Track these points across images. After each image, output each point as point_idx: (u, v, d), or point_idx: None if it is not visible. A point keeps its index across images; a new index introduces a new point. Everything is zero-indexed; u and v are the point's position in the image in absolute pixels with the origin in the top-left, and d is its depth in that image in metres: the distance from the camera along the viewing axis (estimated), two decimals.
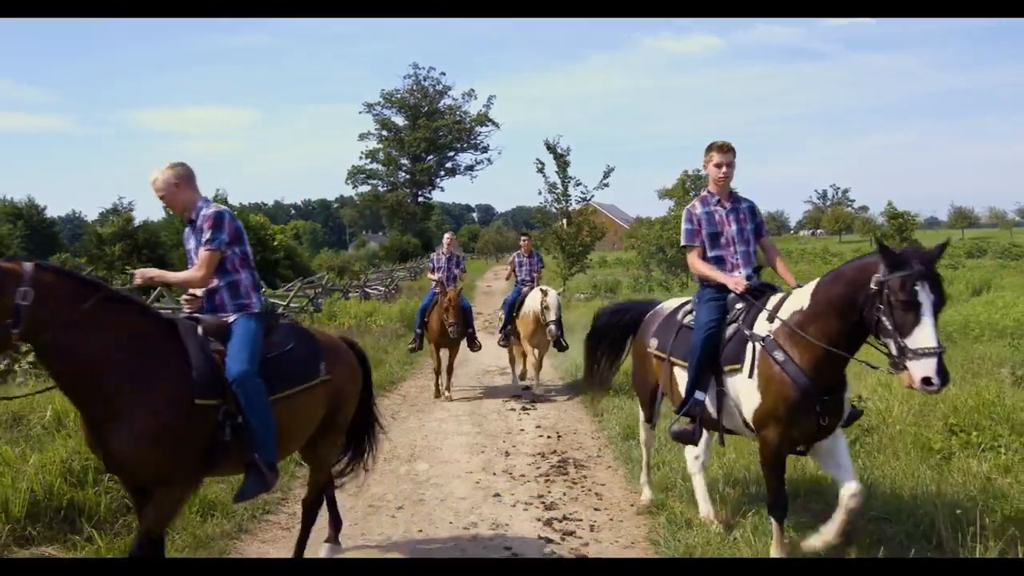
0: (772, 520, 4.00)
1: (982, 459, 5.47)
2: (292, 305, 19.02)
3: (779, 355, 3.87)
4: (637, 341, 5.28)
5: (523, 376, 10.57)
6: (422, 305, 10.43)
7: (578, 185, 28.53)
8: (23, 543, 4.15)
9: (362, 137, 73.08)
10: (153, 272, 3.88)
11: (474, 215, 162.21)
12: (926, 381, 3.30)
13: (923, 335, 3.33)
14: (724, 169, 4.55)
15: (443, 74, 73.34)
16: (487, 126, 73.37)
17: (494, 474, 6.15)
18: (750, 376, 3.98)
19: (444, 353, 9.93)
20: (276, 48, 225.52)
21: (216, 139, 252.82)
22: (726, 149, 4.57)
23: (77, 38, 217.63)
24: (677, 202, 36.89)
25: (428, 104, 72.65)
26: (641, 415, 5.41)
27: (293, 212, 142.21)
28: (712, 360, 4.25)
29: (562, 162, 27.79)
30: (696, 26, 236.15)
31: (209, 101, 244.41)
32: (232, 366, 3.46)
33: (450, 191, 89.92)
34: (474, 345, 10.42)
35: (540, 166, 27.96)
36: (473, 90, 73.40)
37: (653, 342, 4.94)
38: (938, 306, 3.42)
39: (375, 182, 74.27)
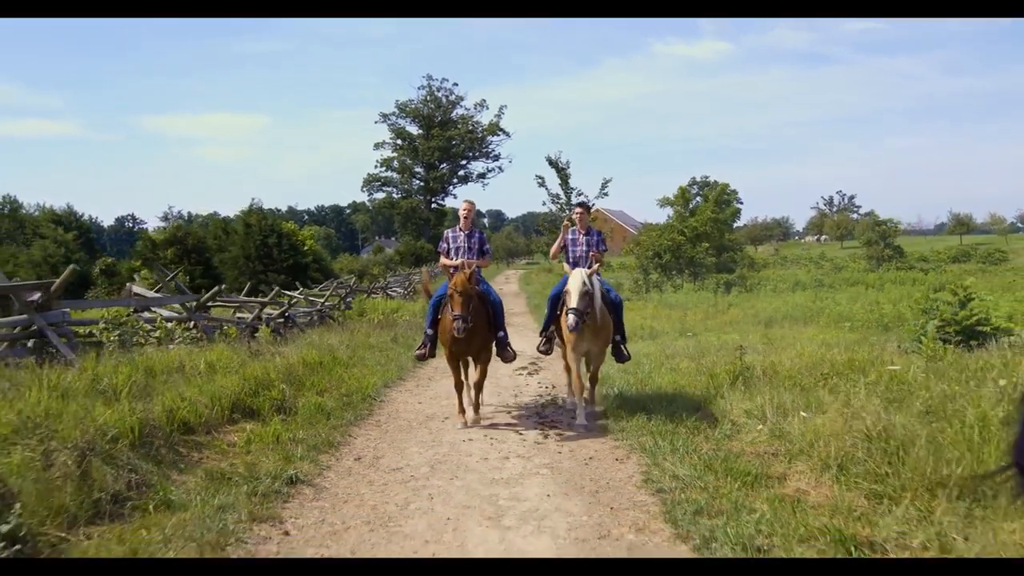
0: None
1: (828, 389, 8.26)
2: (327, 304, 22.06)
3: None
4: None
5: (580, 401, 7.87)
6: (434, 298, 8.01)
7: (580, 195, 31.51)
8: (232, 422, 7.08)
9: (377, 146, 76.53)
10: None
11: (485, 221, 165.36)
12: None
13: None
14: None
15: (456, 85, 76.49)
16: (498, 135, 76.69)
17: (507, 404, 9.03)
18: None
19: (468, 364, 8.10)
20: (287, 54, 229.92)
21: (227, 145, 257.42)
22: None
23: (88, 43, 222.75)
24: (676, 212, 39.79)
25: (442, 114, 75.93)
26: None
27: (306, 218, 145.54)
28: None
29: (563, 175, 30.81)
30: (706, 32, 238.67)
31: (220, 107, 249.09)
32: None
33: (461, 195, 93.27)
34: (506, 353, 7.99)
35: (540, 181, 31.00)
36: (485, 100, 76.74)
37: None
38: None
39: (390, 189, 77.65)
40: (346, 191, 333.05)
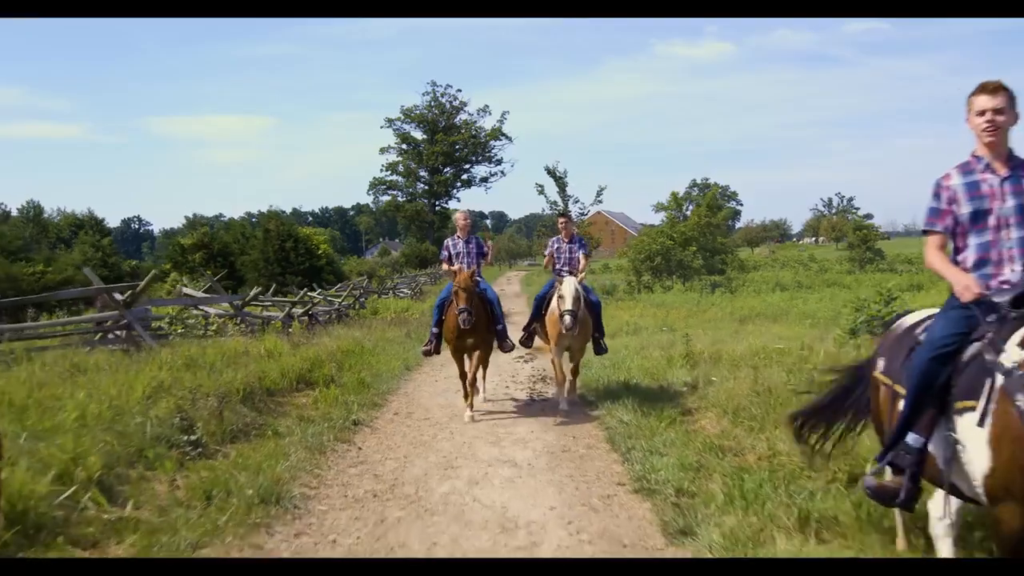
0: None
1: (752, 366, 10.55)
2: (344, 304, 24.43)
3: (1022, 399, 2.79)
4: (868, 363, 4.23)
5: (562, 391, 9.07)
6: (439, 300, 9.01)
7: (576, 202, 33.93)
8: (297, 390, 9.42)
9: (383, 151, 79.01)
10: None
11: (488, 222, 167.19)
12: None
13: None
14: (989, 115, 3.28)
15: (459, 91, 78.79)
16: (501, 140, 79.09)
17: (506, 381, 11.35)
18: (981, 423, 2.94)
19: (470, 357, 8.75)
20: (290, 57, 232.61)
21: (232, 147, 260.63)
22: (993, 89, 3.30)
23: (94, 46, 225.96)
24: (668, 216, 42.09)
25: (445, 119, 78.33)
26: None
27: (310, 219, 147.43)
28: (941, 392, 3.19)
29: (561, 183, 33.21)
30: (709, 33, 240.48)
31: (224, 110, 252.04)
32: None
33: (465, 199, 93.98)
34: (504, 344, 9.10)
35: (540, 189, 33.43)
36: (488, 106, 79.05)
37: (880, 363, 3.91)
38: None
39: (395, 193, 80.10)
40: (350, 193, 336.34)
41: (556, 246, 9.42)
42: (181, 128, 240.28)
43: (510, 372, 12.45)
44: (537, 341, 9.95)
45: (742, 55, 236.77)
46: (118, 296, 12.43)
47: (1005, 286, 3.28)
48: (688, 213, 44.18)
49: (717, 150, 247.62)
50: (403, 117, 77.76)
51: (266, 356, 11.02)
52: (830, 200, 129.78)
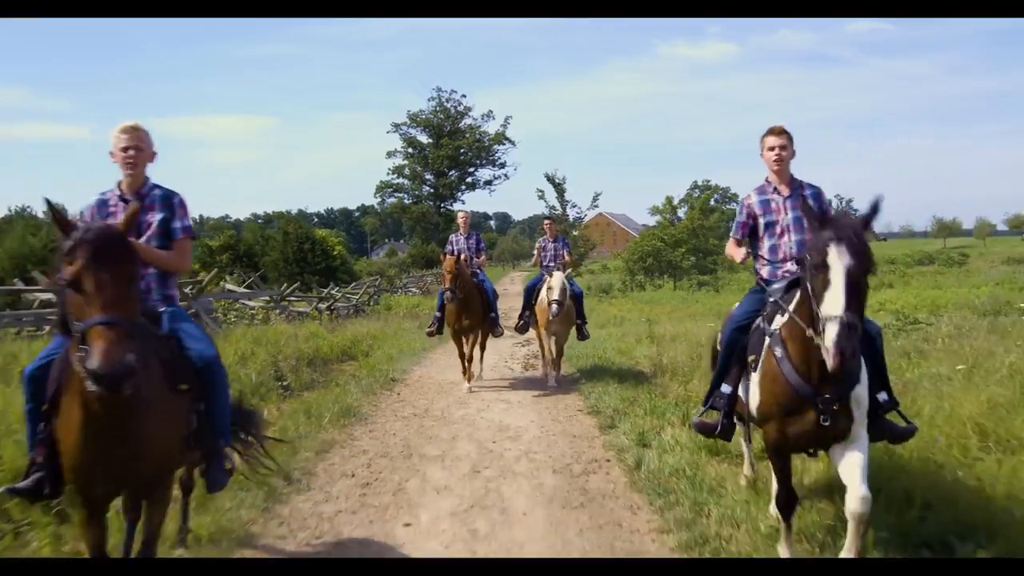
0: (780, 518, 4.03)
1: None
2: (360, 300, 27.15)
3: (778, 350, 3.82)
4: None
5: (547, 368, 10.70)
6: (441, 290, 10.25)
7: (574, 207, 36.63)
8: (342, 361, 12.08)
9: (390, 155, 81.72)
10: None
11: (492, 223, 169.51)
12: (830, 352, 3.22)
13: (830, 299, 3.26)
14: (776, 151, 4.51)
15: (464, 96, 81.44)
16: (504, 144, 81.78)
17: (504, 358, 14.01)
18: (754, 369, 4.04)
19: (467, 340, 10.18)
20: (291, 57, 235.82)
21: (232, 147, 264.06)
22: (779, 132, 4.54)
23: (94, 46, 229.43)
24: (661, 219, 44.71)
25: (450, 124, 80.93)
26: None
27: (315, 220, 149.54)
28: (741, 353, 4.28)
29: (560, 189, 35.93)
30: (711, 34, 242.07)
31: (226, 110, 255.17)
32: (203, 349, 3.64)
33: (469, 201, 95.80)
34: (495, 330, 10.36)
35: (540, 194, 36.15)
36: (491, 111, 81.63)
37: (719, 336, 4.95)
38: (855, 270, 3.27)
39: (401, 195, 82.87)
40: (350, 193, 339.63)
41: (543, 244, 11.04)
42: (181, 128, 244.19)
43: (509, 352, 15.13)
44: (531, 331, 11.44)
45: (744, 55, 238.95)
46: (186, 290, 15.13)
47: (786, 275, 4.44)
48: (682, 216, 46.76)
49: (717, 150, 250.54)
50: (409, 122, 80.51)
51: (311, 337, 13.73)
52: (829, 202, 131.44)
